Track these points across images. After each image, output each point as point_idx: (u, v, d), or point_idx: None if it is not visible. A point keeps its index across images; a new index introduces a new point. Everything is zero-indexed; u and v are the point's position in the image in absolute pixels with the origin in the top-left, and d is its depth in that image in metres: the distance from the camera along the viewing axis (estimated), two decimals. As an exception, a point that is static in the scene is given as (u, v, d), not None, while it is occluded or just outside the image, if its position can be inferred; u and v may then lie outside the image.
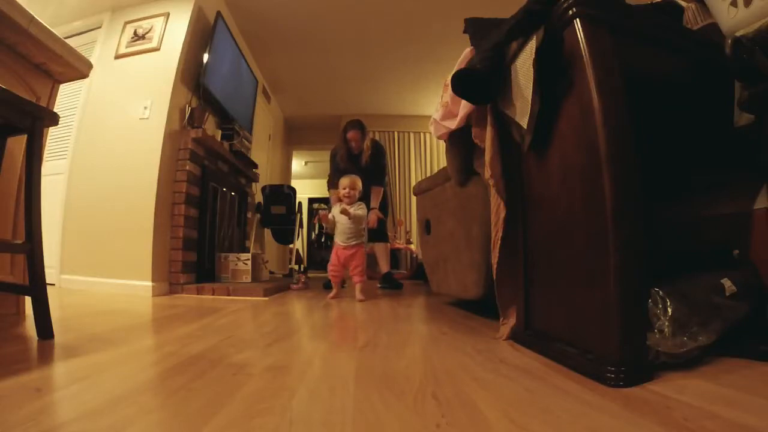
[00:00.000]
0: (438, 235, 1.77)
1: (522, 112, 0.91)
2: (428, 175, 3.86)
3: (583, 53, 0.76)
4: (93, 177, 2.31)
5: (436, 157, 5.17)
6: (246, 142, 3.10)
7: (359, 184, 2.16)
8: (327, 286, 2.54)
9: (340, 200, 2.17)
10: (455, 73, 1.02)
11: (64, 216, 2.34)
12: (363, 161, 2.68)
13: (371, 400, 0.59)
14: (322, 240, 4.77)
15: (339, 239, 2.15)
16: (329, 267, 2.18)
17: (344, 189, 2.13)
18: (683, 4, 1.14)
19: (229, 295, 2.17)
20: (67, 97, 2.44)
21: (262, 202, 3.63)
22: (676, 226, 1.11)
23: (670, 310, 0.74)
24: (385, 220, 2.89)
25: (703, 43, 0.97)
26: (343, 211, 2.05)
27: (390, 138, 5.12)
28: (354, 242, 2.14)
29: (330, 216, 2.18)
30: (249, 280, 2.49)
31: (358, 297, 2.03)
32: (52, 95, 1.32)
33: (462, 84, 1.01)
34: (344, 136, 2.69)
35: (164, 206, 2.21)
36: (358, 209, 2.11)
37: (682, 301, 0.76)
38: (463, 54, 1.24)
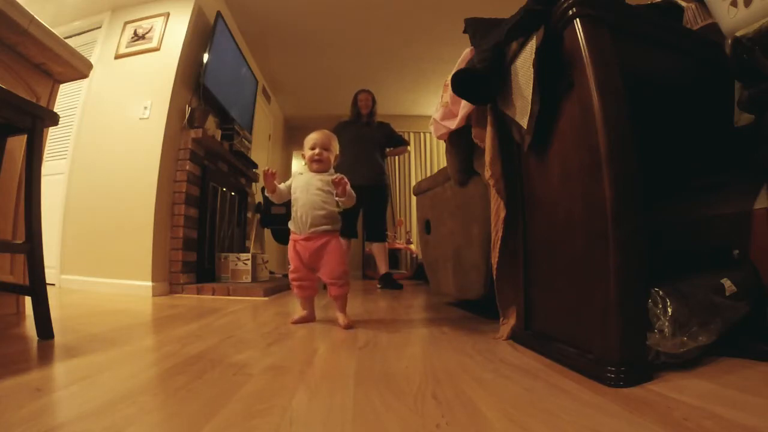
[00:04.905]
0: (438, 235, 1.77)
1: (522, 112, 0.91)
2: (428, 175, 3.86)
3: (583, 53, 0.76)
4: (93, 177, 2.32)
5: (436, 157, 5.17)
6: (246, 142, 3.10)
7: (335, 144, 1.40)
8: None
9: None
10: (455, 73, 1.02)
11: (64, 216, 2.34)
12: (369, 122, 2.93)
13: (371, 401, 0.59)
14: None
15: (297, 225, 1.33)
16: (290, 275, 1.38)
17: (313, 149, 1.35)
18: (683, 4, 1.14)
19: (229, 295, 2.17)
20: (67, 97, 2.44)
21: (262, 202, 3.63)
22: (676, 226, 1.11)
23: (670, 310, 0.74)
24: (384, 215, 2.90)
25: (703, 43, 0.97)
26: (337, 183, 1.27)
27: (390, 138, 5.12)
28: (324, 228, 1.31)
29: (282, 185, 1.39)
30: (249, 280, 2.49)
31: (341, 321, 1.27)
32: (52, 95, 1.32)
33: (462, 84, 1.01)
34: (355, 99, 2.98)
35: (164, 206, 2.21)
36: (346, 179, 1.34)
37: (682, 301, 0.76)
38: (463, 54, 1.24)
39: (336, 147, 1.41)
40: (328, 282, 1.35)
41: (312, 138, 1.39)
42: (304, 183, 1.34)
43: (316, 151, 1.35)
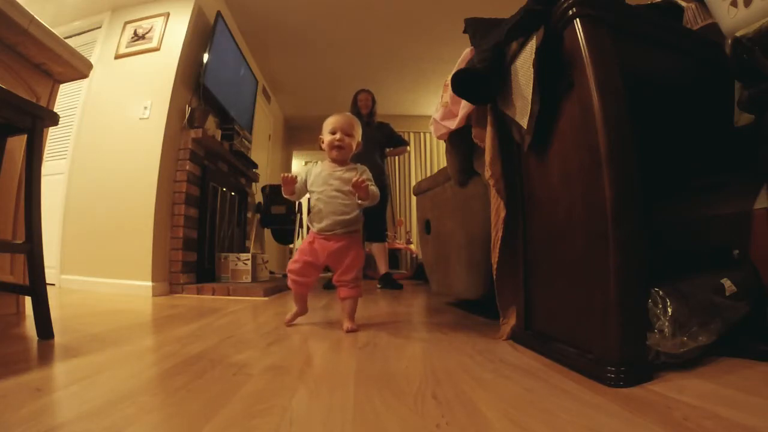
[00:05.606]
0: (438, 235, 1.77)
1: (522, 112, 0.91)
2: (428, 175, 3.86)
3: (583, 53, 0.76)
4: (93, 177, 2.32)
5: (436, 157, 5.17)
6: (246, 142, 3.10)
7: (358, 129, 1.28)
8: (327, 286, 2.53)
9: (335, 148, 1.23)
10: (455, 73, 1.02)
11: (64, 216, 2.34)
12: (369, 122, 2.87)
13: (371, 401, 0.59)
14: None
15: (321, 223, 1.22)
16: (291, 265, 1.26)
17: (333, 133, 1.23)
18: (683, 4, 1.14)
19: (229, 295, 2.17)
20: (67, 97, 2.44)
21: (262, 202, 3.63)
22: (676, 226, 1.11)
23: (670, 310, 0.74)
24: (384, 215, 2.90)
25: (703, 43, 0.97)
26: (357, 187, 1.15)
27: (390, 138, 5.13)
28: (347, 230, 1.23)
29: (299, 184, 1.25)
30: (249, 280, 2.49)
31: (346, 326, 1.18)
32: (52, 95, 1.32)
33: (462, 84, 1.01)
34: (355, 99, 2.95)
35: (164, 206, 2.21)
36: (366, 176, 1.22)
37: (682, 301, 0.76)
38: (463, 54, 1.24)
39: (359, 133, 1.28)
40: (339, 283, 1.24)
41: (332, 121, 1.24)
42: (322, 180, 1.23)
43: (337, 136, 1.22)
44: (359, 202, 1.21)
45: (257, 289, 2.19)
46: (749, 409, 0.55)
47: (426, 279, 2.16)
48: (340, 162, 1.25)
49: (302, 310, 1.30)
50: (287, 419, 0.52)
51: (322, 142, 1.26)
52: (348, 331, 1.16)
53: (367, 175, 1.24)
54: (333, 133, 1.23)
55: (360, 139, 1.29)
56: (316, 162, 1.30)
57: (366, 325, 1.30)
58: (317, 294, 2.34)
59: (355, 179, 1.15)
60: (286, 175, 1.22)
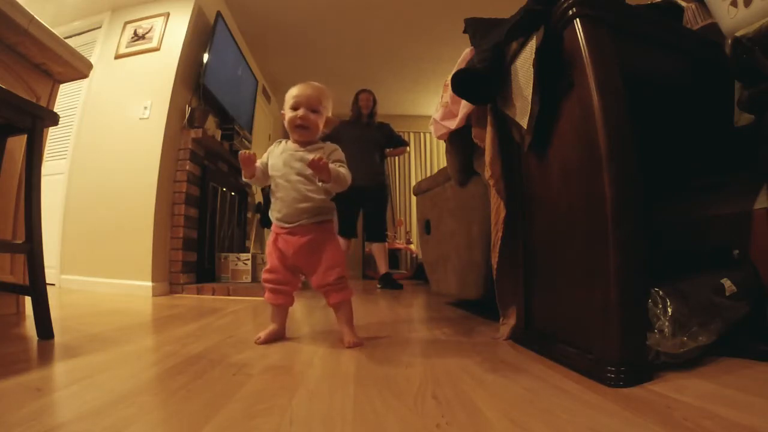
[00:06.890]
0: (438, 235, 1.77)
1: (522, 113, 0.91)
2: (428, 175, 3.86)
3: (583, 53, 0.76)
4: (93, 177, 2.32)
5: (436, 157, 5.17)
6: (246, 142, 3.10)
7: (327, 102, 1.03)
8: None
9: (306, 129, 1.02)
10: (455, 73, 1.02)
11: (64, 216, 2.34)
12: (370, 123, 2.93)
13: (371, 401, 0.59)
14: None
15: (281, 213, 1.01)
16: (264, 275, 1.05)
17: (295, 109, 1.00)
18: (683, 4, 1.14)
19: (229, 295, 2.17)
20: (67, 97, 2.44)
21: (262, 202, 3.63)
22: (676, 226, 1.11)
23: (670, 310, 0.74)
24: (384, 215, 2.90)
25: (703, 43, 0.97)
26: (315, 166, 0.91)
27: (390, 138, 5.13)
28: (315, 219, 1.00)
29: (258, 163, 1.03)
30: (249, 280, 2.49)
31: (347, 340, 0.97)
32: (52, 95, 1.32)
33: (462, 84, 1.01)
34: (356, 98, 2.97)
35: (164, 206, 2.21)
36: (335, 157, 1.02)
37: (682, 301, 0.76)
38: (463, 54, 1.24)
39: (329, 106, 1.04)
40: (321, 289, 1.02)
41: (294, 93, 1.01)
42: (283, 162, 1.01)
43: (300, 113, 0.98)
44: (320, 184, 0.98)
45: (257, 289, 2.18)
46: (749, 409, 0.55)
47: (426, 279, 2.16)
48: (303, 144, 1.03)
49: (280, 331, 1.05)
50: (287, 419, 0.52)
51: (283, 118, 1.04)
52: (350, 347, 0.94)
53: (337, 155, 1.02)
54: (295, 108, 1.00)
55: (330, 113, 1.06)
56: (279, 141, 1.08)
57: (366, 324, 1.30)
58: (317, 293, 2.33)
59: (313, 157, 0.91)
60: (244, 152, 0.98)
